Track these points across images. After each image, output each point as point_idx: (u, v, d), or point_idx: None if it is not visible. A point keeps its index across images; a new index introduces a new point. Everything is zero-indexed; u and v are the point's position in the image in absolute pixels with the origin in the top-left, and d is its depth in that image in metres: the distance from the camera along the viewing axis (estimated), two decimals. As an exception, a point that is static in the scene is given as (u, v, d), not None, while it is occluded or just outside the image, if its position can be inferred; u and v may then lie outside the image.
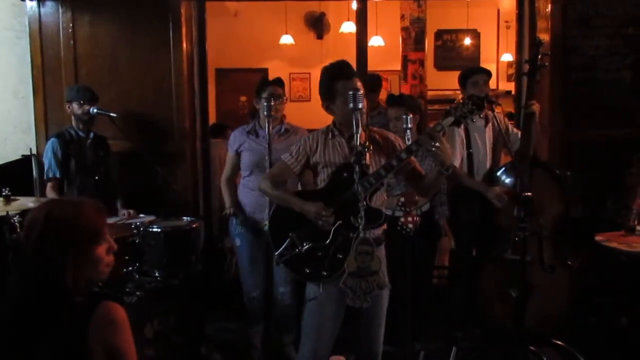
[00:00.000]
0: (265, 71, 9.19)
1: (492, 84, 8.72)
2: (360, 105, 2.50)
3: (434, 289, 4.44)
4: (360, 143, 2.52)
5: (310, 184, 3.14)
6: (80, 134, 4.06)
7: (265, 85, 3.74)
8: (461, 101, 2.56)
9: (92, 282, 1.90)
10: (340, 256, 2.63)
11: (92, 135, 4.11)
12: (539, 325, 3.49)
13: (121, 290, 3.38)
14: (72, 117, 4.07)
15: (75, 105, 4.01)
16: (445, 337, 4.06)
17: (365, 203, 2.52)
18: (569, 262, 3.60)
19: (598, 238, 3.70)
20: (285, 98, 3.76)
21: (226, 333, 4.37)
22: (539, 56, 3.42)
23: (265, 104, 3.37)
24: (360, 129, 2.50)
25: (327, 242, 2.68)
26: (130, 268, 3.57)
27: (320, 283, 2.73)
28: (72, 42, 4.55)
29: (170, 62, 4.55)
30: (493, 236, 3.67)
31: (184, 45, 4.59)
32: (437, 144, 2.52)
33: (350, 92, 2.51)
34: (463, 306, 3.97)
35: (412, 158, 2.75)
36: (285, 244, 2.76)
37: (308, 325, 2.81)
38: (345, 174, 2.67)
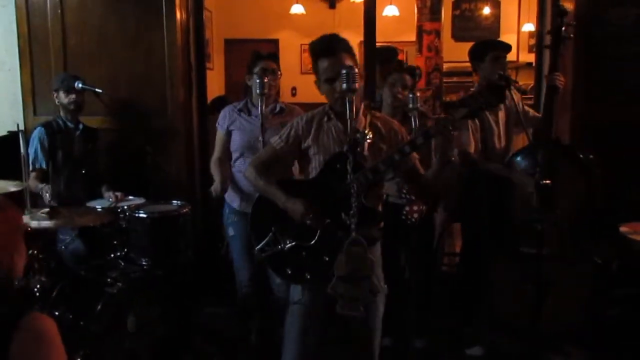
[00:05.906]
0: (276, 42, 8.97)
1: (513, 56, 8.46)
2: (354, 86, 2.18)
3: (443, 276, 4.16)
4: (357, 130, 2.24)
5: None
6: (69, 124, 3.84)
7: (257, 60, 3.45)
8: (477, 90, 2.24)
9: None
10: (327, 259, 2.31)
11: (81, 126, 3.88)
12: (556, 323, 3.22)
13: (103, 280, 3.20)
14: (60, 107, 3.83)
15: (61, 94, 3.78)
16: (452, 332, 3.78)
17: (359, 200, 2.22)
18: (596, 259, 3.29)
19: (623, 229, 3.37)
20: (279, 73, 3.47)
21: (220, 319, 4.10)
22: (563, 27, 3.08)
23: (257, 80, 3.10)
24: (354, 114, 2.20)
25: (313, 242, 2.37)
26: (119, 254, 3.44)
27: (303, 287, 2.46)
28: (59, 10, 4.25)
29: (162, 32, 4.23)
30: (505, 227, 3.37)
31: (178, 14, 4.27)
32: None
33: (344, 71, 2.18)
34: (472, 300, 3.67)
35: (414, 154, 2.42)
36: (267, 238, 2.46)
37: (291, 331, 2.50)
38: (338, 165, 2.33)
